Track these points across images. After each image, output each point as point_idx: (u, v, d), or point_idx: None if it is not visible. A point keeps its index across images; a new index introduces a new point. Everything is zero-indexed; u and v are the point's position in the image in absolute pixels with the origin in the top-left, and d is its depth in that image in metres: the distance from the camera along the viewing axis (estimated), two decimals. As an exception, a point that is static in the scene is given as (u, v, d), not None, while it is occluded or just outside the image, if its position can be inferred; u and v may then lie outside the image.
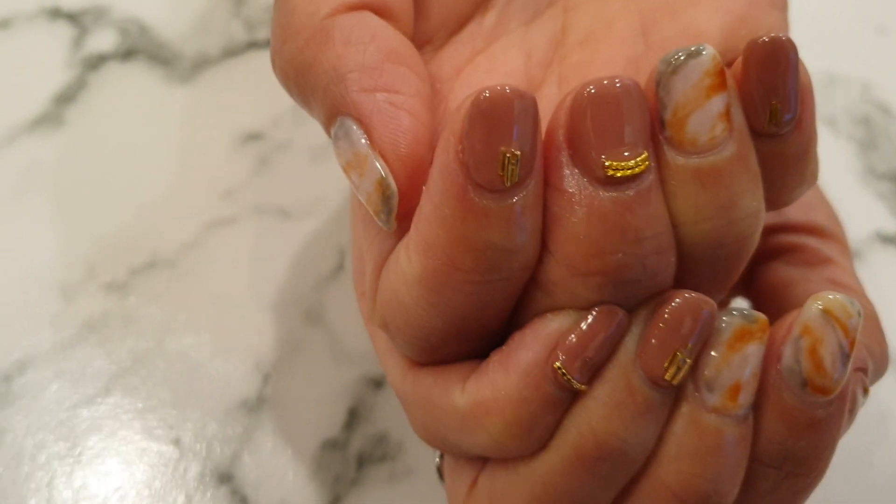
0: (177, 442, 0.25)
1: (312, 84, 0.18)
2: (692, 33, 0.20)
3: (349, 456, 0.26)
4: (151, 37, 0.32)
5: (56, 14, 0.31)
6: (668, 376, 0.17)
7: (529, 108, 0.15)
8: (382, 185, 0.18)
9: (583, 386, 0.17)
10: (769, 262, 0.23)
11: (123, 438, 0.24)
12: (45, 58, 0.30)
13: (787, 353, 0.17)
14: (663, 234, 0.17)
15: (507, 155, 0.15)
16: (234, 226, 0.28)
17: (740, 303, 0.24)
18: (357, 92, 0.18)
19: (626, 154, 0.16)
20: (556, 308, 0.18)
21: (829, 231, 0.23)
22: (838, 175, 0.35)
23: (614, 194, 0.16)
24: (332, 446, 0.26)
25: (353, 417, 0.26)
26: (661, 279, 0.17)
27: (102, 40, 0.31)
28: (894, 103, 0.38)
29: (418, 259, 0.17)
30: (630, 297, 0.17)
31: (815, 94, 0.18)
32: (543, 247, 0.17)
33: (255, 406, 0.26)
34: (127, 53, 0.31)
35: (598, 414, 0.17)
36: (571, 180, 0.16)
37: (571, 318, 0.17)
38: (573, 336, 0.17)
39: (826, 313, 0.17)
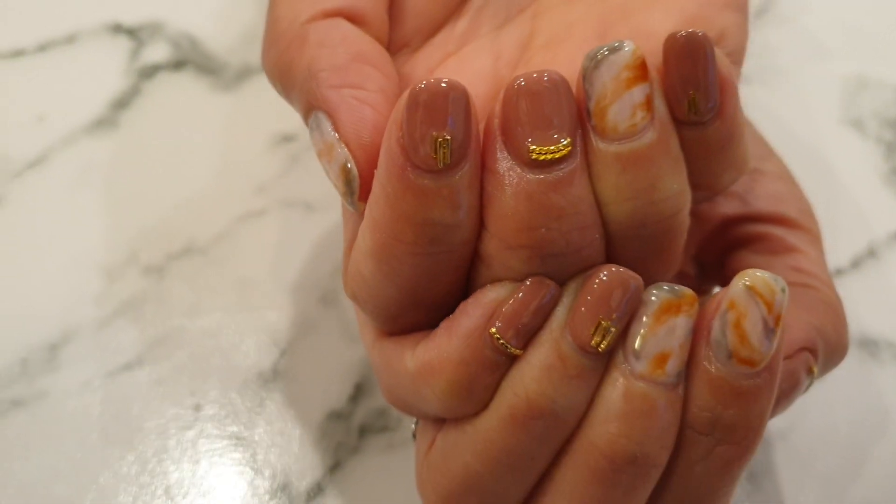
0: (197, 407, 0.27)
1: (292, 82, 0.21)
2: (643, 34, 0.21)
3: (352, 426, 0.28)
4: (200, 49, 0.35)
5: (117, 29, 0.35)
6: (593, 343, 0.18)
7: (460, 98, 0.17)
8: (345, 170, 0.20)
9: (518, 350, 0.19)
10: (737, 251, 0.24)
11: (150, 403, 0.27)
12: (105, 68, 0.34)
13: (716, 326, 0.19)
14: (586, 212, 0.18)
15: (439, 139, 0.17)
16: (263, 217, 0.31)
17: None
18: (327, 88, 0.20)
19: (550, 140, 0.18)
20: (495, 280, 0.19)
21: (797, 222, 0.24)
22: (862, 175, 0.36)
23: (539, 176, 0.18)
24: (338, 417, 0.28)
25: (359, 392, 0.28)
26: (588, 254, 0.19)
27: (157, 52, 0.35)
28: (929, 109, 0.38)
29: (370, 234, 0.19)
30: (560, 270, 0.19)
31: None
32: (482, 224, 0.19)
33: (270, 378, 0.28)
34: (178, 64, 0.35)
35: (531, 376, 0.19)
36: (503, 163, 0.18)
37: (508, 289, 0.19)
38: (508, 304, 0.19)
39: (750, 289, 0.18)
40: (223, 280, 0.30)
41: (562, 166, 0.18)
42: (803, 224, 0.24)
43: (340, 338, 0.29)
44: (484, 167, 0.18)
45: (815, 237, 0.24)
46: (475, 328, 0.19)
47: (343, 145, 0.20)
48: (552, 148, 0.18)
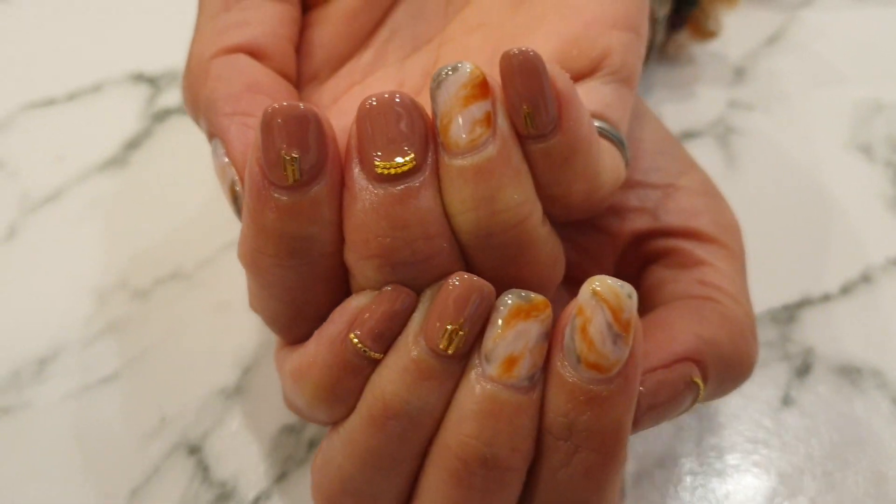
0: (162, 419, 0.29)
1: (198, 111, 0.23)
2: None
3: (302, 440, 0.29)
4: (211, 94, 0.38)
5: (139, 78, 0.38)
6: (442, 346, 0.19)
7: (309, 118, 0.19)
8: (233, 189, 0.22)
9: (378, 355, 0.20)
10: (650, 267, 0.25)
11: (122, 412, 0.29)
12: (124, 112, 0.37)
13: (567, 332, 0.19)
14: (431, 223, 0.19)
15: (287, 157, 0.19)
16: (247, 246, 0.33)
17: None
18: (221, 116, 0.22)
19: (396, 155, 0.19)
20: (359, 289, 0.21)
21: (710, 236, 0.24)
22: (865, 200, 0.35)
23: (384, 189, 0.19)
24: (290, 431, 0.29)
25: (313, 408, 0.29)
26: (438, 262, 0.20)
27: (171, 97, 0.38)
28: (950, 133, 0.37)
29: (241, 247, 0.21)
30: (415, 279, 0.20)
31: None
32: (343, 237, 0.20)
33: (231, 393, 0.30)
34: (189, 108, 0.37)
35: (388, 378, 0.20)
36: (356, 178, 0.19)
37: (368, 297, 0.20)
38: (367, 311, 0.20)
39: (595, 295, 0.19)
40: (203, 303, 0.32)
41: (406, 180, 0.19)
42: (718, 238, 0.24)
43: (302, 357, 0.30)
44: (343, 184, 0.20)
45: (731, 252, 0.24)
46: (337, 334, 0.20)
47: (231, 166, 0.22)
48: (397, 162, 0.19)
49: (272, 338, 0.31)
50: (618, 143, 0.22)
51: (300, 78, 0.25)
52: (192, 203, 0.34)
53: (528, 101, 0.19)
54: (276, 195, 0.19)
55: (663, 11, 0.35)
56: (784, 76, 0.40)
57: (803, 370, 0.31)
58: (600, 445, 0.20)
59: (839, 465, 0.29)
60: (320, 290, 0.21)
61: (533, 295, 0.19)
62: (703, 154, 0.36)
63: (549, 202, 0.20)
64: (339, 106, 0.24)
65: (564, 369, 0.19)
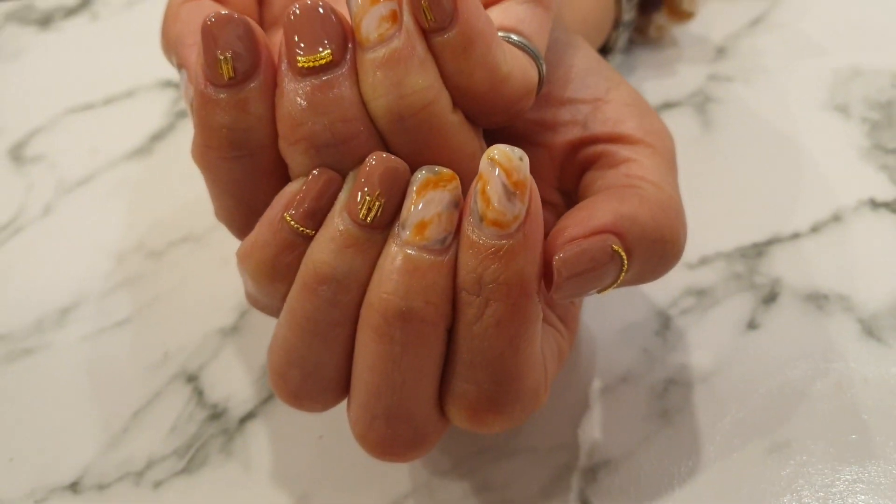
0: (165, 354, 0.32)
1: (170, 48, 0.27)
2: None
3: (289, 367, 0.31)
4: (230, 93, 0.42)
5: (167, 84, 0.43)
6: (361, 216, 0.22)
7: (239, 23, 0.22)
8: (191, 104, 0.25)
9: (310, 231, 0.23)
10: (585, 173, 0.27)
11: (130, 350, 0.33)
12: (152, 113, 0.41)
13: (472, 198, 0.22)
14: (347, 108, 0.22)
15: (221, 57, 0.22)
16: (252, 213, 0.37)
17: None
18: (185, 47, 0.26)
19: (315, 51, 0.22)
20: (295, 178, 0.23)
21: (635, 138, 0.26)
22: (839, 150, 0.36)
23: (307, 81, 0.22)
24: (278, 360, 0.32)
25: (301, 341, 0.32)
26: (357, 144, 0.22)
27: (194, 98, 0.42)
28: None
29: (193, 147, 0.24)
30: (339, 161, 0.22)
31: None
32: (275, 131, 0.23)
33: (229, 332, 0.33)
34: (209, 105, 0.42)
35: (317, 249, 0.22)
36: (284, 75, 0.22)
37: (300, 182, 0.23)
38: (299, 194, 0.23)
39: (491, 160, 0.21)
40: (210, 260, 0.35)
41: (326, 72, 0.22)
42: (643, 140, 0.26)
43: (294, 300, 0.33)
44: (276, 84, 0.23)
45: (656, 150, 0.26)
46: (274, 216, 0.23)
47: (191, 86, 0.25)
48: (315, 57, 0.22)
49: (267, 284, 0.33)
50: (531, 52, 0.24)
51: (262, 24, 0.28)
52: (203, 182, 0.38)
53: None
54: (216, 94, 0.22)
55: (630, -13, 0.38)
56: (765, 52, 0.41)
57: (769, 298, 0.32)
58: (507, 295, 0.22)
59: (802, 380, 0.30)
60: (264, 184, 0.24)
61: (443, 169, 0.22)
62: (680, 121, 0.38)
63: (457, 93, 0.23)
64: None
65: (471, 230, 0.21)
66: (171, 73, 0.41)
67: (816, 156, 0.36)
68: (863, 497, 0.27)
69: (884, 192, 0.35)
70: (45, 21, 0.47)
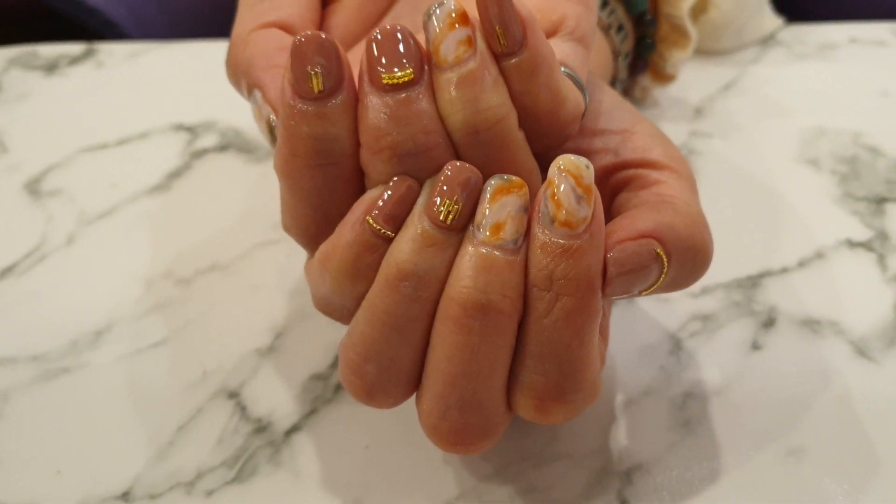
0: (204, 373, 0.33)
1: (239, 72, 0.29)
2: None
3: (329, 384, 0.33)
4: (243, 137, 0.44)
5: (179, 127, 0.45)
6: (441, 218, 0.24)
7: (328, 42, 0.24)
8: (268, 122, 0.27)
9: (391, 233, 0.25)
10: (618, 195, 0.30)
11: (169, 369, 0.33)
12: (167, 153, 0.43)
13: (541, 201, 0.24)
14: (427, 121, 0.24)
15: (311, 72, 0.24)
16: (276, 245, 0.38)
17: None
18: (259, 70, 0.28)
19: (396, 70, 0.24)
20: (373, 186, 0.26)
21: (662, 163, 0.29)
22: (814, 198, 0.40)
23: (390, 96, 0.24)
24: (318, 378, 0.33)
25: (337, 360, 0.33)
26: (436, 154, 0.24)
27: (208, 140, 0.44)
28: (884, 146, 0.43)
29: (277, 158, 0.26)
30: (418, 169, 0.25)
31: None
32: (358, 142, 0.25)
33: (265, 352, 0.34)
34: (223, 147, 0.43)
35: (399, 249, 0.24)
36: (367, 91, 0.24)
37: (380, 189, 0.25)
38: (380, 199, 0.25)
39: (560, 169, 0.24)
40: (238, 288, 0.37)
41: (407, 89, 0.24)
42: (669, 165, 0.29)
43: (327, 324, 0.34)
44: (357, 98, 0.25)
45: (681, 175, 0.29)
46: (356, 219, 0.25)
47: (268, 106, 0.27)
48: (397, 74, 0.24)
49: (300, 309, 0.35)
50: (577, 83, 0.27)
51: None
52: (227, 215, 0.40)
53: (500, 24, 0.24)
54: (303, 106, 0.24)
55: (625, 48, 0.41)
56: (738, 112, 0.46)
57: (769, 323, 0.35)
58: (576, 290, 0.24)
59: (807, 394, 0.32)
60: (342, 192, 0.26)
61: (513, 177, 0.24)
62: (671, 168, 0.42)
63: (522, 113, 0.25)
64: (354, 71, 0.30)
65: (542, 231, 0.24)
66: (184, 117, 0.43)
67: (795, 202, 0.40)
68: (876, 493, 0.29)
69: (858, 233, 0.39)
70: (51, 67, 0.49)
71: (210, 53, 0.49)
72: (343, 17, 0.31)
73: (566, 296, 0.24)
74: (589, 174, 0.24)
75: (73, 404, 0.32)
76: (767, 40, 0.51)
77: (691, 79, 0.47)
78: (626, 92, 0.45)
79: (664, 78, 0.45)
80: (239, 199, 0.40)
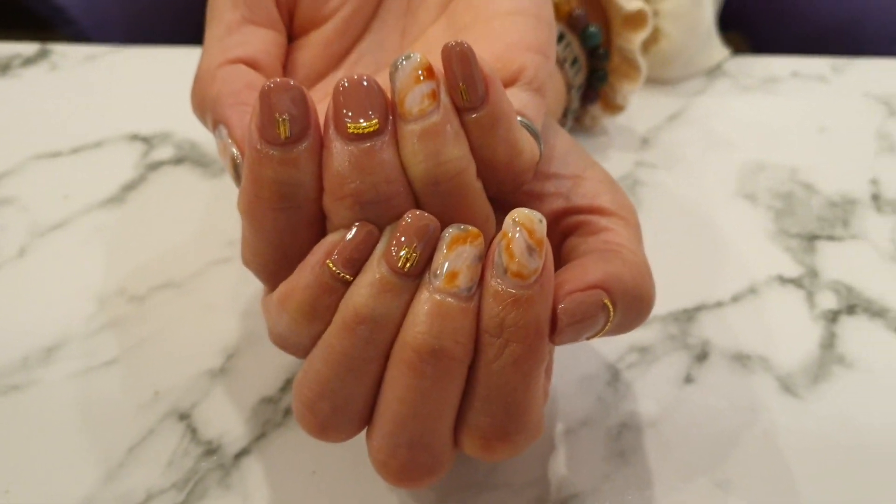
0: (156, 393, 0.34)
1: (205, 107, 0.29)
2: None
3: (279, 408, 0.34)
4: (198, 150, 0.44)
5: (134, 137, 0.45)
6: (399, 265, 0.25)
7: (296, 90, 0.25)
8: (233, 160, 0.28)
9: (349, 277, 0.26)
10: (566, 239, 0.31)
11: (120, 389, 0.34)
12: (122, 163, 0.43)
13: (496, 251, 0.25)
14: (390, 171, 0.25)
15: (279, 119, 0.25)
16: (231, 263, 0.39)
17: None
18: (225, 106, 0.28)
19: (362, 120, 0.25)
20: (334, 230, 0.26)
21: (611, 210, 0.30)
22: (750, 233, 0.42)
23: (355, 145, 0.25)
24: (269, 401, 0.34)
25: (288, 384, 0.34)
26: (397, 203, 0.25)
27: (164, 153, 0.44)
28: (819, 182, 0.45)
29: (241, 200, 0.26)
30: (379, 216, 0.26)
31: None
32: (321, 187, 0.26)
33: (217, 374, 0.35)
34: (179, 160, 0.44)
35: (357, 293, 0.25)
36: (333, 138, 0.25)
37: (341, 233, 0.26)
38: (341, 243, 0.26)
39: (515, 221, 0.25)
40: (191, 306, 0.37)
41: (372, 139, 0.25)
42: (616, 212, 0.30)
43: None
44: (323, 145, 0.26)
45: (627, 221, 0.30)
46: (317, 262, 0.26)
47: (233, 143, 0.28)
48: (363, 125, 0.25)
49: (253, 330, 0.36)
50: (533, 132, 0.28)
51: None
52: (181, 231, 0.40)
53: (464, 80, 0.25)
54: (270, 151, 0.25)
55: (578, 81, 0.43)
56: (682, 144, 0.47)
57: (702, 356, 0.37)
58: (525, 337, 0.25)
59: (735, 428, 0.34)
60: (303, 234, 0.27)
61: (469, 227, 0.25)
62: (616, 198, 0.43)
63: (480, 164, 0.26)
64: (318, 109, 0.31)
65: (495, 280, 0.25)
66: (140, 126, 0.44)
67: (731, 236, 0.42)
68: (791, 526, 0.31)
69: (789, 270, 0.41)
70: (3, 68, 0.48)
71: (169, 60, 0.49)
72: (309, 53, 0.32)
73: (515, 342, 0.25)
74: (541, 228, 0.25)
75: (23, 422, 0.33)
76: (714, 71, 0.53)
77: (639, 108, 0.49)
78: (577, 120, 0.47)
79: (614, 108, 0.46)
80: (194, 214, 0.41)
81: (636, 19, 0.44)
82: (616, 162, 0.46)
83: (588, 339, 0.28)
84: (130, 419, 0.33)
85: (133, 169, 0.43)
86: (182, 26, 0.56)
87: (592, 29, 0.42)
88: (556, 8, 0.42)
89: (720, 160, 0.46)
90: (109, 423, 0.33)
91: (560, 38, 0.41)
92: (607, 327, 0.27)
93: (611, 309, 0.27)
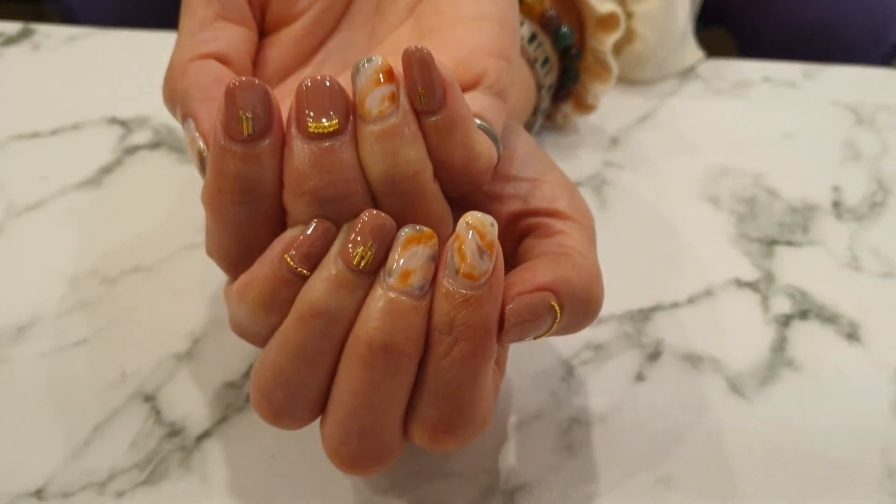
0: (123, 374, 0.35)
1: (175, 100, 0.30)
2: None
3: (241, 393, 0.35)
4: (175, 135, 0.45)
5: (113, 121, 0.46)
6: (355, 262, 0.26)
7: (259, 89, 0.26)
8: (200, 153, 0.29)
9: (306, 272, 0.27)
10: (523, 240, 0.32)
11: (88, 369, 0.35)
12: (99, 146, 0.44)
13: (448, 253, 0.26)
14: (348, 170, 0.26)
15: (243, 116, 0.26)
16: (199, 249, 0.40)
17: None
18: (194, 100, 0.29)
19: (324, 120, 0.26)
20: (293, 225, 0.27)
21: (566, 214, 0.31)
22: (710, 236, 0.43)
23: (315, 144, 0.26)
24: (231, 386, 0.35)
25: (251, 370, 0.35)
26: (355, 202, 0.26)
27: (141, 137, 0.45)
28: (782, 188, 0.46)
29: (205, 192, 0.27)
30: (338, 213, 0.27)
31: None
32: (281, 183, 0.27)
33: (183, 357, 0.36)
34: (155, 145, 0.45)
35: (314, 287, 0.26)
36: (294, 137, 0.26)
37: (300, 229, 0.27)
38: (298, 239, 0.27)
39: (468, 224, 0.26)
40: (160, 290, 0.38)
41: (331, 139, 0.26)
42: (572, 216, 0.31)
43: (244, 331, 0.36)
44: (284, 142, 0.27)
45: (582, 225, 0.31)
46: (275, 256, 0.27)
47: (200, 137, 0.29)
48: (324, 124, 0.26)
49: (219, 316, 0.37)
50: (491, 136, 0.29)
51: None
52: (155, 215, 0.41)
53: (423, 84, 0.26)
54: (233, 147, 0.26)
55: (549, 80, 0.44)
56: (650, 146, 0.48)
57: (654, 356, 0.38)
58: (473, 336, 0.26)
59: (681, 426, 0.36)
60: (263, 227, 0.28)
61: (424, 228, 0.26)
62: (582, 197, 0.44)
63: (437, 166, 0.27)
64: (284, 105, 0.32)
65: (447, 280, 0.26)
66: (117, 110, 0.44)
67: (692, 239, 0.43)
68: (728, 521, 0.33)
69: (747, 273, 0.42)
70: (-14, 47, 0.49)
71: (150, 45, 0.50)
72: (278, 50, 0.32)
73: (464, 340, 0.26)
74: (493, 231, 0.26)
75: (-7, 399, 0.34)
76: (687, 73, 0.54)
77: (611, 108, 0.50)
78: (549, 118, 0.48)
79: (585, 108, 0.47)
80: (167, 200, 0.42)
81: (609, 21, 0.45)
82: (584, 161, 0.47)
83: (535, 338, 0.29)
84: (97, 399, 0.34)
85: (110, 152, 0.44)
86: (169, 7, 0.56)
87: (564, 30, 0.43)
88: (529, 8, 0.43)
89: (686, 163, 0.48)
90: (76, 401, 0.34)
91: (532, 38, 0.42)
92: (554, 328, 0.29)
93: (557, 311, 0.28)
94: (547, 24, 0.43)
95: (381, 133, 0.26)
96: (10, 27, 0.50)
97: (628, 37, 0.50)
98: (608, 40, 0.45)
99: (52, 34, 0.50)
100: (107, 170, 0.43)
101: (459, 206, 0.30)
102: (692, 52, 0.55)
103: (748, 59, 0.56)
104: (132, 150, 0.44)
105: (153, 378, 0.35)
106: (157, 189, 0.42)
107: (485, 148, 0.28)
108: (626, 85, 0.52)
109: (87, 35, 0.51)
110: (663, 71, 0.53)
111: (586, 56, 0.46)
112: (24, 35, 0.50)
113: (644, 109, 0.51)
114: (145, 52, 0.49)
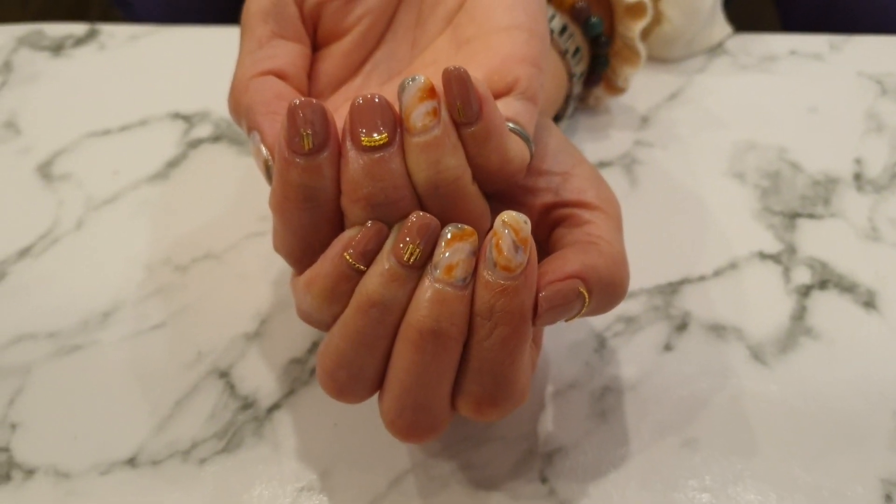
0: (198, 353, 0.39)
1: (240, 115, 0.34)
2: None
3: (306, 368, 0.39)
4: (235, 128, 0.49)
5: (176, 116, 0.49)
6: (405, 258, 0.29)
7: (317, 107, 0.29)
8: (266, 163, 0.32)
9: (363, 267, 0.30)
10: (555, 230, 0.35)
11: (167, 350, 0.39)
12: (165, 141, 0.48)
13: (487, 248, 0.29)
14: (397, 177, 0.29)
15: (304, 133, 0.29)
16: (262, 237, 0.44)
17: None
18: (258, 115, 0.33)
19: (375, 135, 0.29)
20: (350, 226, 0.31)
21: (595, 205, 0.34)
22: (735, 211, 0.46)
23: (368, 156, 0.29)
24: (297, 362, 0.39)
25: (314, 346, 0.39)
26: (403, 205, 0.30)
27: (203, 130, 0.49)
28: (805, 162, 0.48)
29: (272, 197, 0.31)
30: (388, 216, 0.30)
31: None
32: (339, 189, 0.30)
33: (252, 336, 0.40)
34: (217, 138, 0.48)
35: (369, 281, 0.30)
36: (349, 149, 0.29)
37: (356, 230, 0.30)
38: (356, 238, 0.30)
39: (504, 223, 0.29)
40: (228, 276, 0.42)
41: (382, 150, 0.29)
42: (600, 206, 0.34)
43: (305, 312, 0.40)
44: (340, 154, 0.30)
45: (608, 214, 0.34)
46: (336, 254, 0.30)
47: (265, 148, 0.32)
48: (375, 138, 0.29)
49: (283, 298, 0.41)
50: (524, 138, 0.33)
51: (310, 95, 0.35)
52: (219, 205, 0.45)
53: (461, 99, 0.29)
54: (296, 160, 0.29)
55: (580, 69, 0.47)
56: (679, 123, 0.51)
57: (681, 327, 0.41)
58: (510, 321, 0.30)
59: (705, 392, 0.39)
60: (324, 229, 0.31)
61: (465, 226, 0.30)
62: (611, 179, 0.47)
63: (475, 169, 0.31)
64: (338, 114, 0.35)
65: (486, 272, 0.29)
66: (181, 105, 0.48)
67: (718, 214, 0.46)
68: (749, 481, 0.36)
69: (770, 246, 0.45)
70: (57, 48, 0.53)
71: (208, 40, 0.53)
72: (330, 63, 0.36)
73: (503, 325, 0.30)
74: (526, 228, 0.29)
75: (86, 378, 0.38)
76: (715, 48, 0.56)
77: (640, 86, 0.52)
78: (582, 100, 0.50)
79: (616, 90, 0.50)
80: (229, 190, 0.46)
81: (637, 9, 0.48)
82: (616, 141, 0.50)
83: (567, 321, 0.32)
84: (177, 376, 0.38)
85: (175, 147, 0.48)
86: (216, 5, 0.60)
87: (594, 20, 0.46)
88: (560, 2, 0.45)
89: (713, 139, 0.50)
90: (158, 379, 0.38)
91: (563, 30, 0.45)
92: (583, 311, 0.32)
93: (586, 296, 0.31)
94: (577, 16, 0.46)
95: (425, 144, 0.29)
96: (78, 28, 0.54)
97: (657, 19, 0.52)
98: (636, 27, 0.48)
99: (115, 34, 0.54)
100: (173, 163, 0.47)
101: (498, 199, 0.33)
102: (721, 27, 0.57)
103: (776, 32, 0.58)
104: (195, 144, 0.48)
105: (226, 356, 0.39)
106: (220, 180, 0.46)
107: (518, 151, 0.31)
108: (657, 63, 0.54)
109: (148, 33, 0.54)
110: (692, 49, 0.56)
111: (616, 41, 0.48)
112: (90, 36, 0.54)
113: (673, 87, 0.53)
114: (204, 47, 0.53)
